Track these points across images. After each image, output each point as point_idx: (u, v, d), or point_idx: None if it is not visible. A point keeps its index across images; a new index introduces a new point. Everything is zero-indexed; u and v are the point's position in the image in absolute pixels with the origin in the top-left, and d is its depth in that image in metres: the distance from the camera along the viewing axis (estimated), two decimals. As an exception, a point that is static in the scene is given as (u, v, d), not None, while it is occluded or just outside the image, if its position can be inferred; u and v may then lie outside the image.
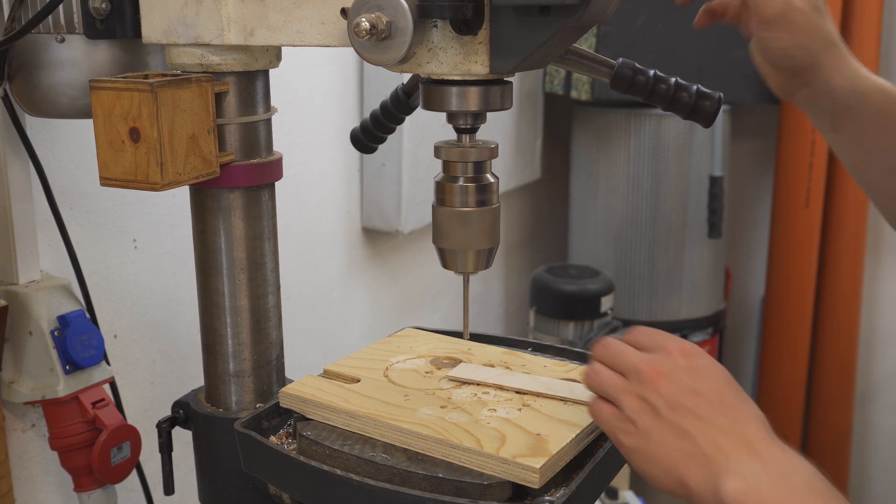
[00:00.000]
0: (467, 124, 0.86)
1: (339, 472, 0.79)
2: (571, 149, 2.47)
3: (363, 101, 1.80)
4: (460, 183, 0.87)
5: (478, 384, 0.93)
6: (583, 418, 0.85)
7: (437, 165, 0.89)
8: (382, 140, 1.12)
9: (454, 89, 0.82)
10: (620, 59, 0.97)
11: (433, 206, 0.89)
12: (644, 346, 0.81)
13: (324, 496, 0.81)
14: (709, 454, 0.73)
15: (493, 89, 0.83)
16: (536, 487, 0.77)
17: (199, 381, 1.04)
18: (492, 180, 0.88)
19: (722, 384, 0.78)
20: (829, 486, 0.71)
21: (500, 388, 0.92)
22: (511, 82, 0.85)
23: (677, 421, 0.75)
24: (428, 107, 0.85)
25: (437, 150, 0.88)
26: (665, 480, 0.75)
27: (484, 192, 0.87)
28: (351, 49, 0.79)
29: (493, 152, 0.87)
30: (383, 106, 1.07)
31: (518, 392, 0.91)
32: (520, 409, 0.87)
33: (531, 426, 0.83)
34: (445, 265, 0.90)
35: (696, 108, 0.96)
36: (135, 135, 0.84)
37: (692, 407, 0.75)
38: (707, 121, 0.96)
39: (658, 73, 0.96)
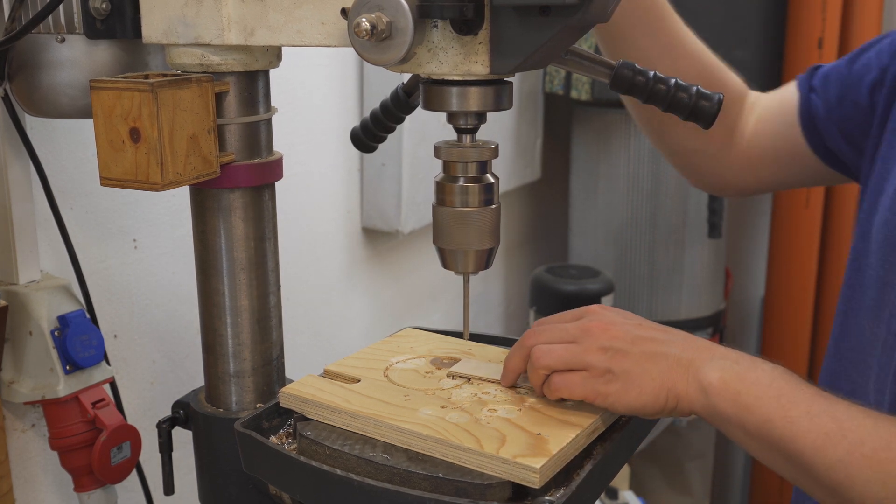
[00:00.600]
0: (468, 124, 0.86)
1: (339, 472, 0.79)
2: (571, 149, 2.47)
3: (363, 101, 1.80)
4: (460, 183, 0.87)
5: (480, 380, 0.93)
6: (583, 418, 0.85)
7: (437, 165, 0.89)
8: (383, 139, 1.12)
9: (454, 89, 0.82)
10: (620, 60, 0.97)
11: (433, 206, 0.89)
12: (568, 321, 0.89)
13: (324, 496, 0.81)
14: (684, 361, 0.82)
15: (494, 89, 0.83)
16: (537, 487, 0.77)
17: (199, 381, 1.04)
18: (492, 180, 0.88)
19: (645, 318, 0.88)
20: (790, 370, 0.82)
21: (498, 382, 0.92)
22: (511, 82, 0.85)
23: (645, 349, 0.83)
24: (428, 107, 0.85)
25: (437, 151, 0.88)
26: (657, 402, 0.82)
27: (484, 192, 0.87)
28: (351, 49, 0.79)
29: (494, 152, 0.87)
30: (383, 105, 1.07)
31: (517, 389, 0.91)
32: (520, 409, 0.87)
33: (531, 426, 0.83)
34: (445, 265, 0.90)
35: (696, 108, 0.96)
36: (135, 135, 0.84)
37: (648, 335, 0.84)
38: (707, 122, 0.96)
39: (658, 73, 0.96)
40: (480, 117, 0.86)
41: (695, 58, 1.18)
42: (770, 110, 1.22)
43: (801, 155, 1.18)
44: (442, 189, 0.88)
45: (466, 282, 0.93)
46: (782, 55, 2.51)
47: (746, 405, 0.79)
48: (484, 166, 0.87)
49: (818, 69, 1.18)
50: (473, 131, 0.87)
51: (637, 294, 2.37)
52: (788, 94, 1.21)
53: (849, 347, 1.05)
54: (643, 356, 0.83)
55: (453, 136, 0.87)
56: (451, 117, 0.86)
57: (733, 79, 1.24)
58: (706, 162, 1.23)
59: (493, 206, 0.88)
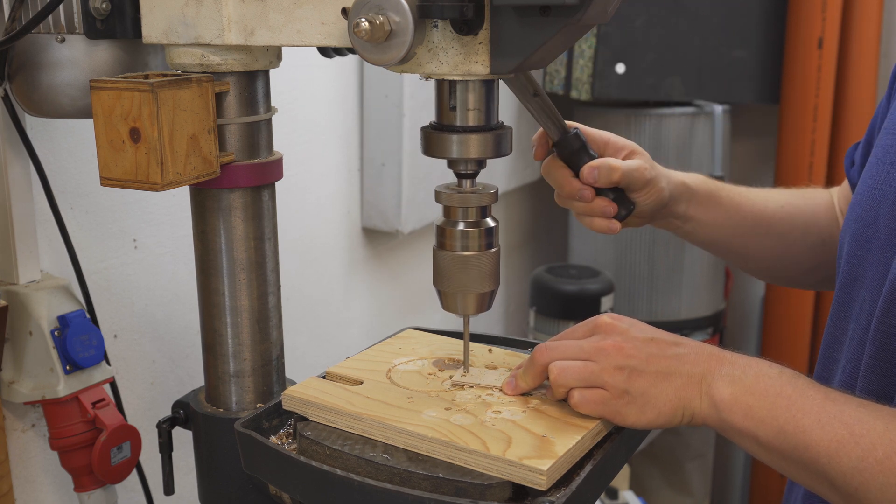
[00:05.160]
0: (468, 170, 0.87)
1: (339, 472, 0.79)
2: (571, 149, 2.46)
3: (363, 101, 1.80)
4: (461, 227, 0.87)
5: (484, 388, 0.93)
6: (588, 420, 0.85)
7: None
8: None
9: (455, 137, 0.84)
10: (574, 129, 1.02)
11: (433, 249, 0.89)
12: (579, 337, 0.89)
13: (324, 496, 0.81)
14: (695, 377, 0.84)
15: (494, 136, 0.85)
16: (544, 490, 0.76)
17: (199, 381, 1.04)
18: (492, 224, 0.89)
19: (654, 327, 0.89)
20: (789, 369, 0.84)
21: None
22: (510, 128, 0.87)
23: (658, 368, 0.84)
24: (428, 153, 0.87)
25: (438, 196, 0.89)
26: (673, 419, 0.84)
27: (485, 236, 0.88)
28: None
29: (494, 197, 0.89)
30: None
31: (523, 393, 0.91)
32: (524, 411, 0.87)
33: (536, 428, 0.83)
34: (446, 307, 0.91)
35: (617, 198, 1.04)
36: (135, 135, 0.84)
37: (660, 352, 0.85)
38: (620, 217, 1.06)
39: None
40: (481, 163, 0.87)
41: (796, 221, 1.19)
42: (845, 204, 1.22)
43: None
44: (442, 233, 0.88)
45: (466, 323, 0.93)
46: (782, 55, 2.50)
47: (759, 418, 0.80)
48: (484, 210, 0.88)
49: (857, 145, 1.17)
50: (473, 176, 0.87)
51: (637, 294, 2.37)
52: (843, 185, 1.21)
53: (824, 346, 1.06)
54: (657, 375, 0.84)
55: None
56: (452, 163, 0.87)
57: (825, 207, 1.21)
58: (795, 276, 1.25)
59: (494, 250, 0.89)
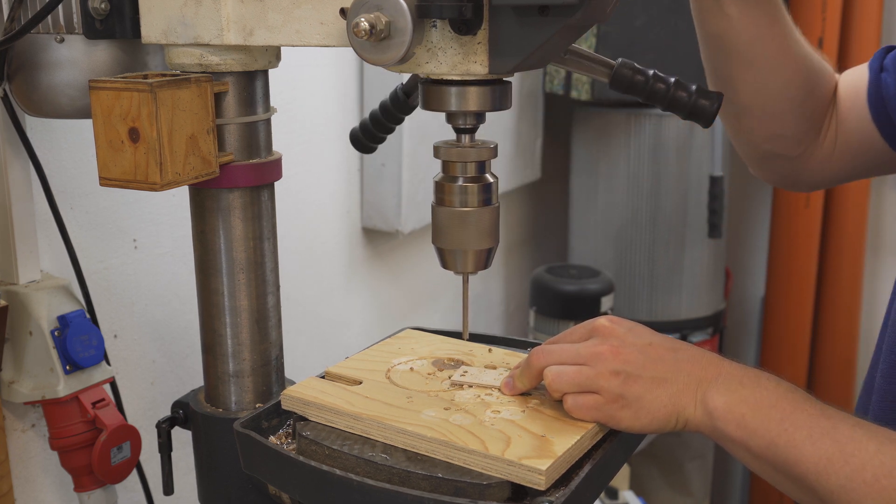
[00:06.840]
0: (467, 124, 0.86)
1: (338, 472, 0.79)
2: (571, 149, 2.47)
3: (363, 101, 1.80)
4: (460, 183, 0.87)
5: (483, 388, 0.93)
6: (587, 421, 0.85)
7: (438, 165, 0.89)
8: (382, 140, 1.12)
9: (453, 89, 0.82)
10: (620, 59, 0.97)
11: (433, 205, 0.89)
12: (576, 340, 0.89)
13: (323, 496, 0.81)
14: (690, 384, 0.83)
15: (493, 89, 0.83)
16: (543, 489, 0.76)
17: (199, 381, 1.04)
18: (491, 180, 0.88)
19: (652, 331, 0.89)
20: (786, 382, 0.83)
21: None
22: (510, 82, 0.85)
23: (654, 374, 0.84)
24: (427, 107, 0.85)
25: (437, 150, 0.88)
26: (667, 425, 0.84)
27: (483, 191, 0.87)
28: (351, 49, 0.79)
29: (493, 152, 0.87)
30: (383, 106, 1.07)
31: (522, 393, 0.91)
32: (524, 411, 0.87)
33: (535, 428, 0.83)
34: (445, 265, 0.90)
35: (696, 107, 0.96)
36: (134, 135, 0.84)
37: (656, 357, 0.85)
38: (706, 120, 0.96)
39: (657, 72, 0.96)
40: (479, 117, 0.86)
41: (800, 64, 1.11)
42: (844, 101, 1.15)
43: (871, 140, 1.11)
44: (441, 189, 0.88)
45: (466, 282, 0.93)
46: (782, 55, 2.50)
47: (751, 429, 0.80)
48: (483, 166, 0.87)
49: (891, 49, 1.11)
50: (472, 131, 0.87)
51: (637, 294, 2.37)
52: (858, 78, 1.14)
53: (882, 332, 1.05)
54: (653, 381, 0.84)
55: (453, 136, 0.87)
56: (451, 117, 0.86)
57: (827, 81, 1.15)
58: (788, 164, 1.18)
59: (493, 206, 0.88)
